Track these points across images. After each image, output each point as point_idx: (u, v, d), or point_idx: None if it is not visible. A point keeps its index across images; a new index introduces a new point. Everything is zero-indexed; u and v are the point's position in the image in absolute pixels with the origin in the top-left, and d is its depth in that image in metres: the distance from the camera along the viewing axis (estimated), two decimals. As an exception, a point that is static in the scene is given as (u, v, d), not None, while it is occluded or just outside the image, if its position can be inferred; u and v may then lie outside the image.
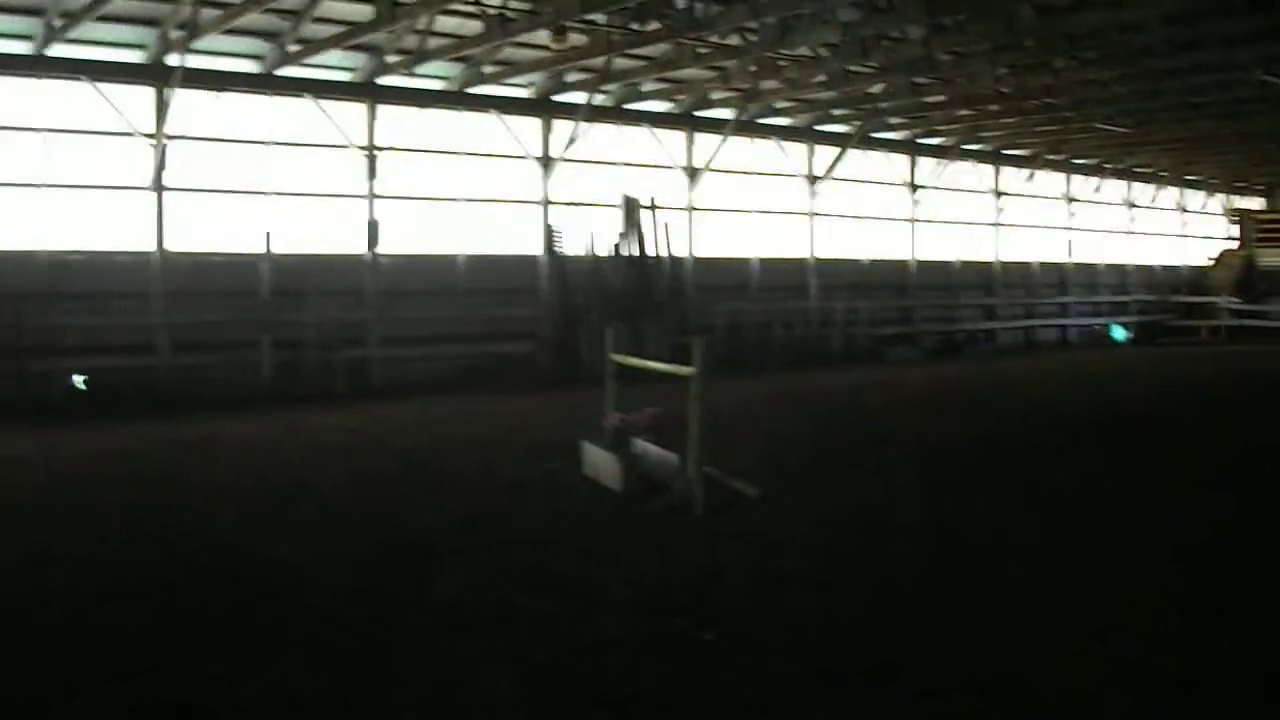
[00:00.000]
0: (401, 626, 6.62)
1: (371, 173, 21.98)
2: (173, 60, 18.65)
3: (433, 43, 19.86)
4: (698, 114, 26.66)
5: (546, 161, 24.30)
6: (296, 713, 5.34)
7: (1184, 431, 15.22)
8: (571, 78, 23.46)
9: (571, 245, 24.33)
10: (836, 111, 27.73)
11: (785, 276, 28.79)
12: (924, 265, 32.60)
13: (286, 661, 6.00)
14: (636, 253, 24.93)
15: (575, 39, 19.51)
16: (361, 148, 21.90)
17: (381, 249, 22.07)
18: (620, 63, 22.28)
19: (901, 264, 32.15)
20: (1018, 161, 34.99)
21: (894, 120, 28.84)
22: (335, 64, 21.07)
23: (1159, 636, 6.33)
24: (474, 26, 19.28)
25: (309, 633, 6.50)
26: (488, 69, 22.28)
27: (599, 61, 21.45)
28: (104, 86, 19.02)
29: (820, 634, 6.44)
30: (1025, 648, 6.12)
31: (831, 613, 6.86)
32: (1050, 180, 37.02)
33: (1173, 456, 12.84)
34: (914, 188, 32.24)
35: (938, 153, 32.44)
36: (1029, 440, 14.47)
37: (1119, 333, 38.28)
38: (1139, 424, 16.22)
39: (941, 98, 25.41)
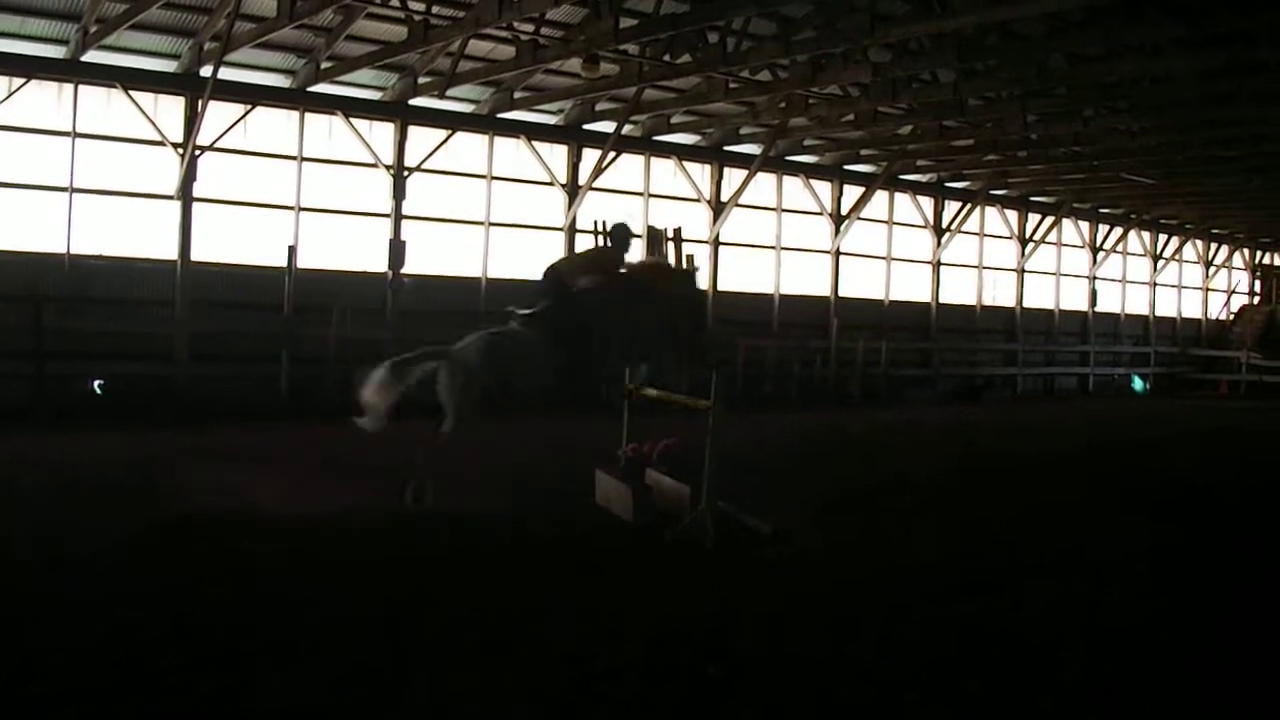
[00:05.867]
0: (403, 650, 6.57)
1: (398, 192, 22.04)
2: (205, 72, 18.74)
3: (464, 66, 19.96)
4: (726, 148, 26.71)
5: (573, 189, 24.34)
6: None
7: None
8: (601, 107, 23.54)
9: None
10: (864, 151, 27.80)
11: (807, 314, 28.77)
12: (946, 308, 32.54)
13: (290, 678, 5.96)
14: (658, 283, 24.91)
15: (606, 68, 19.58)
16: (389, 167, 21.98)
17: (405, 269, 22.11)
18: (650, 94, 22.35)
19: (923, 306, 32.11)
20: (1043, 208, 34.94)
21: (921, 162, 28.83)
22: (367, 83, 21.19)
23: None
24: (506, 51, 19.41)
25: (312, 652, 6.46)
26: (518, 94, 22.38)
27: (629, 91, 21.52)
28: (135, 94, 19.15)
29: (828, 672, 6.39)
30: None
31: (840, 652, 6.80)
32: (1075, 228, 36.98)
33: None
34: (939, 230, 32.20)
35: (964, 196, 32.44)
36: (1063, 502, 14.34)
37: (1138, 383, 38.19)
38: (1152, 469, 16.07)
39: (969, 142, 25.39)
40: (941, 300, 32.42)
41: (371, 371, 11.21)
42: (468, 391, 11.21)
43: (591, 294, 11.80)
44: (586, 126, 24.15)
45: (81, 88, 18.84)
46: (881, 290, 31.04)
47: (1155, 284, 40.40)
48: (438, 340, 12.25)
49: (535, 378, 11.65)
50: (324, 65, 19.89)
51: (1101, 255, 37.61)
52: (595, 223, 23.55)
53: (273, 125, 20.84)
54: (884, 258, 31.16)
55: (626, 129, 23.98)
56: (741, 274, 27.59)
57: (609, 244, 12.59)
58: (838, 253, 29.61)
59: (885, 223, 31.14)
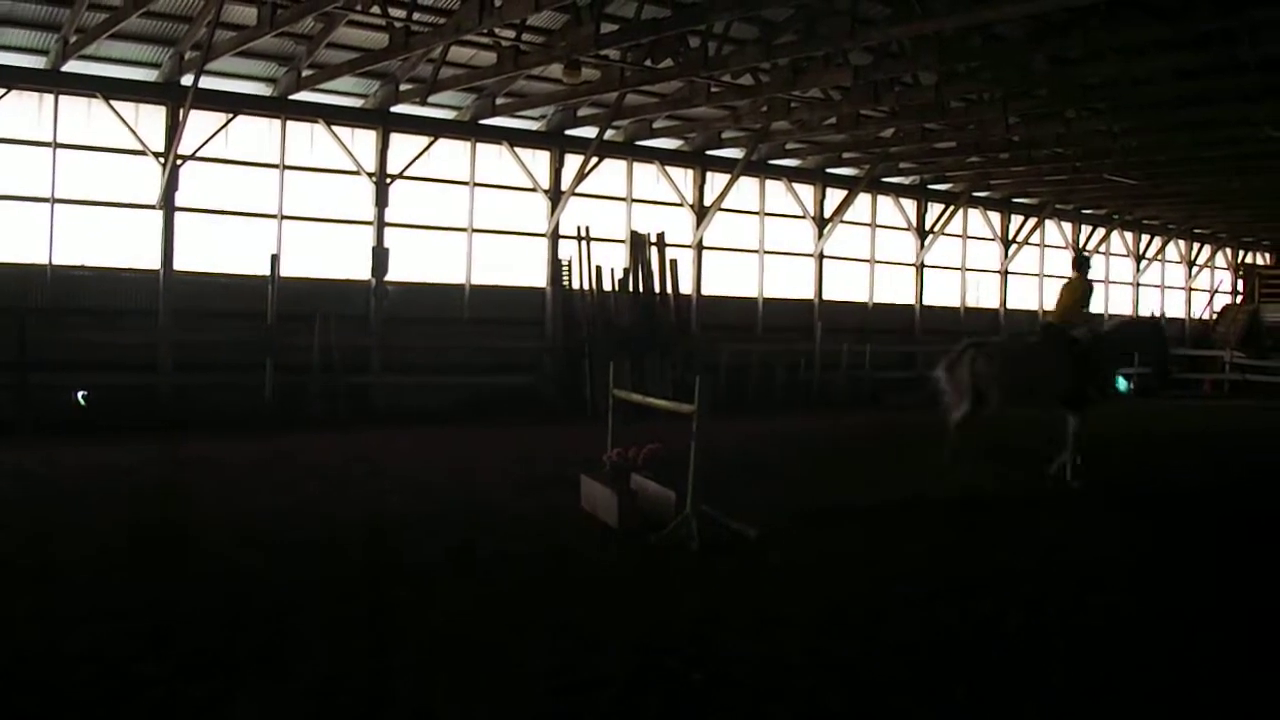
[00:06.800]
0: (389, 658, 6.55)
1: (381, 199, 22.00)
2: (186, 80, 18.69)
3: (446, 72, 19.93)
4: (708, 152, 26.71)
5: (556, 195, 24.32)
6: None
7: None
8: (583, 112, 23.53)
9: (578, 279, 24.31)
10: (846, 154, 27.81)
11: (791, 318, 28.77)
12: (929, 310, 32.58)
13: (275, 687, 5.94)
14: (643, 289, 24.94)
15: (588, 73, 19.59)
16: (371, 174, 21.94)
17: (388, 276, 22.06)
18: (632, 99, 22.35)
19: (907, 309, 32.15)
20: (1026, 210, 35.01)
21: (904, 165, 28.87)
22: (348, 90, 21.16)
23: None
24: (487, 58, 19.37)
25: (298, 660, 6.44)
26: (500, 100, 22.37)
27: (611, 97, 21.51)
28: (116, 104, 19.10)
29: (812, 677, 6.38)
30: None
31: (824, 656, 6.79)
32: (1058, 229, 37.09)
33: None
34: (922, 233, 32.26)
35: (947, 198, 32.50)
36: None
37: (1122, 383, 38.22)
38: (1139, 470, 16.10)
39: (952, 144, 25.43)
40: (925, 302, 32.47)
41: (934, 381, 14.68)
42: (1001, 378, 13.86)
43: (1081, 342, 14.44)
44: (569, 132, 24.16)
45: (62, 98, 18.77)
46: (865, 293, 31.08)
47: (1138, 284, 40.53)
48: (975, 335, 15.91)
49: (1043, 388, 14.20)
50: (305, 73, 19.85)
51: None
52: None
53: (254, 134, 20.78)
54: (867, 260, 31.20)
55: (609, 134, 23.98)
56: (725, 278, 27.60)
57: (1077, 274, 15.22)
58: (821, 256, 29.63)
59: (868, 225, 31.17)
